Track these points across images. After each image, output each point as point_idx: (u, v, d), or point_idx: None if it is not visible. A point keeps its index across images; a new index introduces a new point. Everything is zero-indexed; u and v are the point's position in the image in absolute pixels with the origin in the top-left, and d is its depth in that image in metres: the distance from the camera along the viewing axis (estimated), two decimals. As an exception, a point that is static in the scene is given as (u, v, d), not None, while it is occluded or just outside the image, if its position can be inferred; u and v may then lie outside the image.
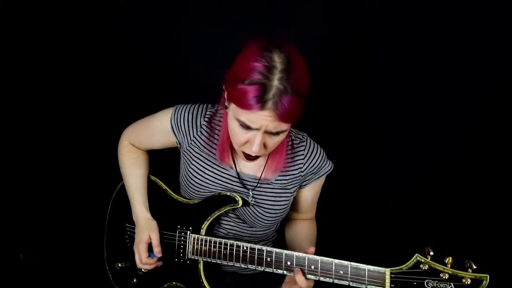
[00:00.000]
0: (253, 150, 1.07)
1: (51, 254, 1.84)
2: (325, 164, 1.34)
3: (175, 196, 1.39)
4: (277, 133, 1.07)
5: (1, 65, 1.70)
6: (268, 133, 1.06)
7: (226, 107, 1.13)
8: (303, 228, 1.45)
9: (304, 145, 1.32)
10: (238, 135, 1.09)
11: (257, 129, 1.04)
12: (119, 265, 1.43)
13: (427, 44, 1.66)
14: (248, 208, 1.32)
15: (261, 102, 0.98)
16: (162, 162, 1.47)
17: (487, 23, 1.60)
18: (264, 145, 1.09)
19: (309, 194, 1.39)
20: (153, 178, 1.44)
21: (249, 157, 1.15)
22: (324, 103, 1.78)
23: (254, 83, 0.98)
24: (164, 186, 1.42)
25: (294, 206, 1.43)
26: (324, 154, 1.34)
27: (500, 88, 1.65)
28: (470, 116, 1.70)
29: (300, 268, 1.16)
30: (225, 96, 1.11)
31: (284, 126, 1.05)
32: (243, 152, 1.14)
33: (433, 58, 1.67)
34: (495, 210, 1.75)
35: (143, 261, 1.30)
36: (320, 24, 1.71)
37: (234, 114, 1.07)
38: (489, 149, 1.72)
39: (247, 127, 1.05)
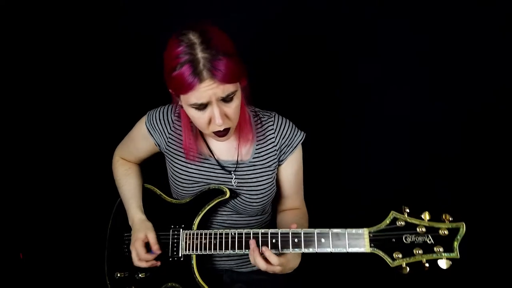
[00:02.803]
0: (217, 122, 1.12)
1: (51, 254, 1.84)
2: (296, 134, 1.37)
3: (169, 199, 1.43)
4: (229, 98, 1.12)
5: (1, 65, 1.74)
6: (221, 101, 1.11)
7: (181, 107, 1.20)
8: (292, 219, 1.44)
9: (272, 120, 1.37)
10: (199, 119, 1.15)
11: (210, 102, 1.10)
12: (118, 274, 1.43)
13: (427, 43, 1.69)
14: (236, 196, 1.35)
15: (197, 76, 1.05)
16: (157, 172, 1.50)
17: (487, 23, 1.63)
18: (227, 116, 1.15)
19: (290, 171, 1.41)
20: (147, 186, 1.49)
21: (220, 133, 1.19)
22: (323, 102, 1.83)
23: (183, 64, 1.05)
24: (158, 192, 1.46)
25: (279, 189, 1.44)
26: (294, 125, 1.39)
27: (500, 88, 1.66)
28: (470, 116, 1.71)
29: (285, 244, 1.17)
30: (173, 95, 1.19)
31: (231, 88, 1.10)
32: (214, 133, 1.19)
33: (433, 57, 1.69)
34: (495, 210, 1.74)
35: (142, 257, 1.29)
36: (319, 19, 1.75)
37: (185, 102, 1.13)
38: (489, 149, 1.72)
39: (200, 106, 1.11)
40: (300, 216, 1.46)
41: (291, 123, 1.39)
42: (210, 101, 1.10)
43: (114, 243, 1.51)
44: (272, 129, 1.36)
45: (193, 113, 1.15)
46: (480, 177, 1.74)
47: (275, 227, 1.52)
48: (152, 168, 1.53)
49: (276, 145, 1.36)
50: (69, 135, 1.89)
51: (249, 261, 1.43)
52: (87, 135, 1.89)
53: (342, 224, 1.79)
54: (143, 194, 1.46)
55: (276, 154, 1.36)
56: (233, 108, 1.15)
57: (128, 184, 1.46)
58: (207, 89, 1.07)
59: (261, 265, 1.16)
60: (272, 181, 1.37)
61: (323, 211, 1.62)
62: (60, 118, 1.88)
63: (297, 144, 1.38)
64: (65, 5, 1.77)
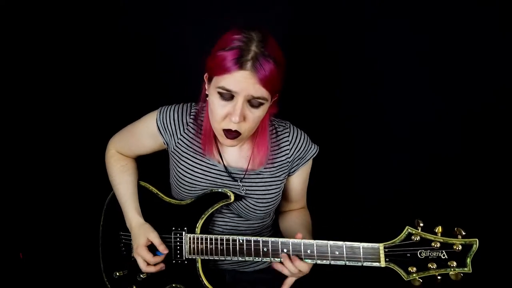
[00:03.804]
0: (233, 119, 1.10)
1: (51, 254, 1.83)
2: (311, 148, 1.36)
3: (167, 198, 1.40)
4: (257, 103, 1.10)
5: (0, 64, 1.71)
6: (248, 102, 1.10)
7: (206, 96, 1.18)
8: (297, 217, 1.45)
9: (288, 132, 1.35)
10: (217, 109, 1.12)
11: (237, 95, 1.08)
12: (117, 274, 1.43)
13: (427, 43, 1.68)
14: (240, 201, 1.33)
15: (239, 63, 1.04)
16: (152, 168, 1.48)
17: (487, 23, 1.62)
18: (244, 119, 1.12)
19: (298, 181, 1.41)
20: (142, 183, 1.45)
21: (230, 135, 1.15)
22: (323, 102, 1.83)
23: (233, 48, 1.06)
24: (155, 190, 1.42)
25: (285, 195, 1.44)
26: (308, 138, 1.37)
27: (500, 88, 1.66)
28: (470, 116, 1.71)
29: (297, 254, 1.18)
30: (205, 85, 1.18)
31: (264, 93, 1.09)
32: (224, 131, 1.15)
33: (433, 57, 1.69)
34: (495, 210, 1.75)
35: (151, 261, 1.26)
36: (319, 19, 1.74)
37: (214, 85, 1.11)
38: (489, 149, 1.72)
39: (227, 94, 1.09)
40: (305, 215, 1.47)
41: (306, 136, 1.38)
42: (238, 93, 1.08)
43: (108, 241, 1.49)
44: (288, 140, 1.35)
45: (214, 100, 1.13)
46: (480, 177, 1.75)
47: (276, 229, 1.53)
48: (146, 163, 1.51)
49: (290, 157, 1.35)
50: (69, 135, 1.88)
51: (253, 261, 1.44)
52: (87, 136, 1.88)
53: (348, 228, 1.80)
54: (139, 193, 1.42)
55: (287, 165, 1.35)
56: (255, 115, 1.14)
57: (125, 183, 1.41)
58: (242, 79, 1.06)
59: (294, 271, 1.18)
60: (279, 191, 1.36)
61: (326, 215, 1.63)
62: (60, 118, 1.86)
63: (309, 158, 1.37)
64: (65, 5, 1.75)
